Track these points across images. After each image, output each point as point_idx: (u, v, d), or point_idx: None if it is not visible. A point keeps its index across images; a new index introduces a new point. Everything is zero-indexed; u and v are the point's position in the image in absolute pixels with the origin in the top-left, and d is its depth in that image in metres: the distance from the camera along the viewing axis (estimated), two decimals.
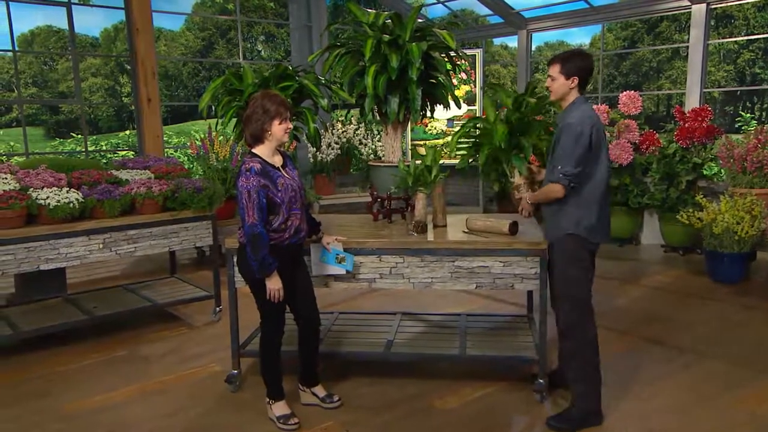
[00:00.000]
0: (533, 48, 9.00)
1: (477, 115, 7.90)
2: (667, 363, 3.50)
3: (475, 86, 8.62)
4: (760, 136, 5.29)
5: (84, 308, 4.09)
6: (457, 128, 3.42)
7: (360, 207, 6.82)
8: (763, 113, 22.74)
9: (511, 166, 3.18)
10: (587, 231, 2.79)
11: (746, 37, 22.95)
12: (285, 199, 2.73)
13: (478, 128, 3.41)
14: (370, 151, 7.74)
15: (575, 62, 2.78)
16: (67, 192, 3.69)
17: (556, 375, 3.15)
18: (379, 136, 8.03)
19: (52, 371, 3.55)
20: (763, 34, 21.75)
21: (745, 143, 5.38)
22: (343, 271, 3.05)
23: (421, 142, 8.54)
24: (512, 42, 9.10)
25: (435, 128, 8.66)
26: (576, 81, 2.78)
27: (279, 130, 2.73)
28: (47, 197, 3.59)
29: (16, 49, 8.31)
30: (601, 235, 2.85)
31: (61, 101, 31.36)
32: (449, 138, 3.50)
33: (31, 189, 3.67)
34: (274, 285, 2.74)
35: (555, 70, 2.80)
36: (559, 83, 2.80)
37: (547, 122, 3.38)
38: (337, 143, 7.55)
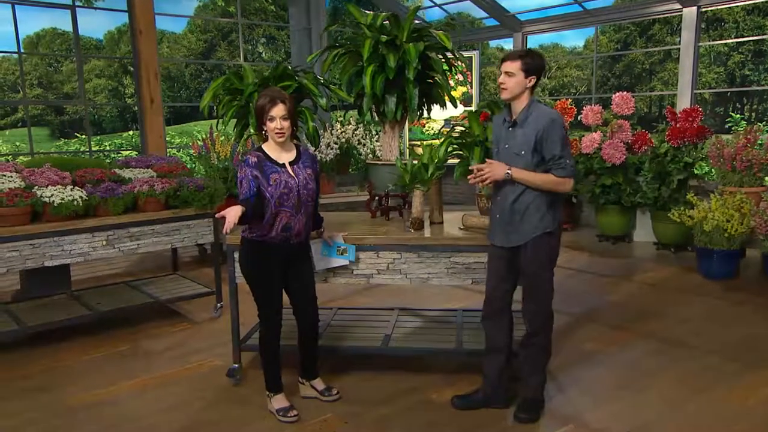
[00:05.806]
0: None
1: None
2: (660, 357, 3.57)
3: (472, 87, 8.71)
4: (749, 136, 5.40)
5: (88, 304, 4.15)
6: (443, 139, 3.48)
7: (359, 206, 6.87)
8: (753, 114, 22.97)
9: None
10: (560, 226, 2.83)
11: (736, 40, 23.19)
12: (275, 195, 2.73)
13: (462, 142, 3.47)
14: (369, 151, 7.82)
15: (536, 60, 2.65)
16: (71, 190, 3.74)
17: (494, 392, 3.02)
18: (377, 136, 8.11)
19: (56, 366, 3.61)
20: (753, 36, 21.90)
21: (734, 143, 5.48)
22: (346, 262, 3.12)
23: (419, 143, 8.64)
24: (508, 44, 9.22)
25: (432, 128, 8.76)
26: (534, 80, 2.66)
27: (269, 126, 2.76)
28: (51, 195, 3.65)
29: (22, 51, 8.39)
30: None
31: (65, 102, 31.52)
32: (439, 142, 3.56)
33: (36, 187, 3.72)
34: (228, 213, 2.57)
35: (515, 66, 2.63)
36: (516, 80, 2.64)
37: None
38: (336, 143, 7.64)
